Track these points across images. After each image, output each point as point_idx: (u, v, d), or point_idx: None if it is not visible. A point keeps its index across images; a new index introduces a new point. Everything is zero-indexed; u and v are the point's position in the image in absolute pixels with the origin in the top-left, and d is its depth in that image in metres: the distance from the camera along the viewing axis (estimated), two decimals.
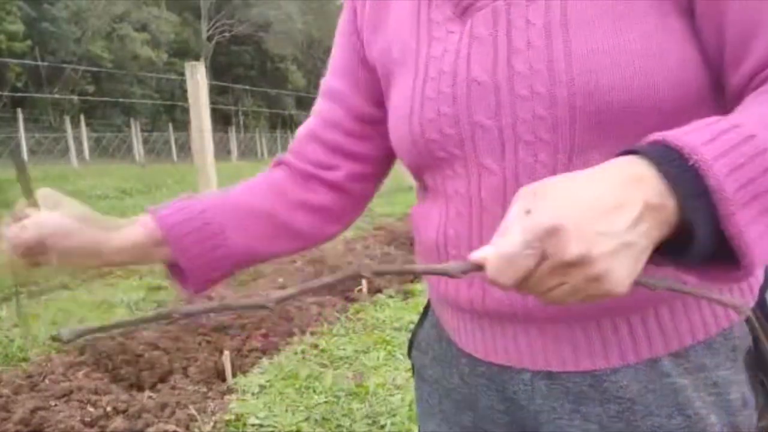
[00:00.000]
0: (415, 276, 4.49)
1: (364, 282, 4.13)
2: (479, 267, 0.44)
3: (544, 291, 0.44)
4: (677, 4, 0.54)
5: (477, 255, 0.44)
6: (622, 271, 0.42)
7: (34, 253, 0.62)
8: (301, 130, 0.81)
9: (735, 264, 0.44)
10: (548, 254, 0.42)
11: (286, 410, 2.49)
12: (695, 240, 0.44)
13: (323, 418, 2.43)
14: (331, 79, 0.80)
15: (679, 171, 0.43)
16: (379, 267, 0.45)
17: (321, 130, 0.78)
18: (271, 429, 2.35)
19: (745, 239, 0.43)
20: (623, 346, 0.60)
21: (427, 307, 0.81)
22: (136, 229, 0.69)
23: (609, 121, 0.54)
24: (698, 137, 0.44)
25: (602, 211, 0.42)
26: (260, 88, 34.54)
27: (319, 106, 0.80)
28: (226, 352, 2.79)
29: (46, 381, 2.62)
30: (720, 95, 0.57)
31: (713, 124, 0.46)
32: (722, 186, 0.42)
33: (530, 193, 0.44)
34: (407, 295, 4.12)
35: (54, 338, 0.43)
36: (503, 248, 0.43)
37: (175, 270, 0.73)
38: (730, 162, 0.43)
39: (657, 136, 0.45)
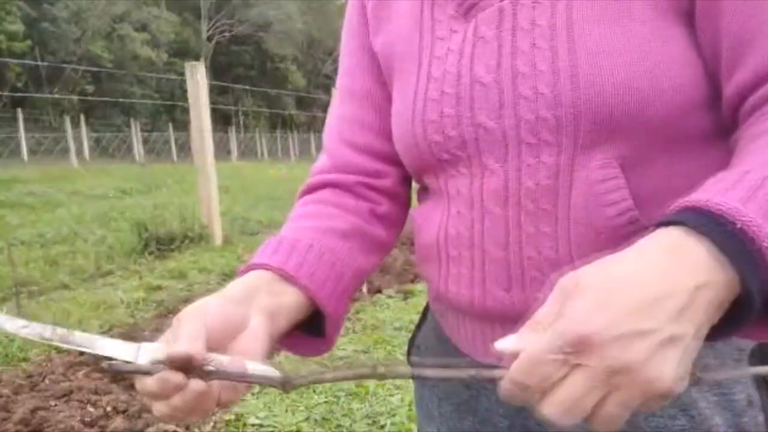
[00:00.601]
0: (415, 275, 4.49)
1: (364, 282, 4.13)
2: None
3: (589, 407, 0.40)
4: (678, 11, 0.54)
5: (506, 346, 0.43)
6: (667, 366, 0.39)
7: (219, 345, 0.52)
8: (331, 140, 0.76)
9: None
10: (581, 362, 0.40)
11: (286, 410, 2.49)
12: (753, 307, 0.41)
13: (323, 418, 2.43)
14: (347, 79, 0.76)
15: (728, 238, 0.41)
16: (398, 370, 0.46)
17: (353, 134, 0.74)
18: (271, 429, 2.36)
19: None
20: None
21: (426, 310, 0.80)
22: (262, 275, 0.62)
23: (612, 122, 0.54)
24: (735, 196, 0.42)
25: (640, 306, 0.40)
26: (260, 88, 34.56)
27: (342, 109, 0.76)
28: None
29: (46, 381, 2.62)
30: (716, 107, 0.57)
31: (742, 179, 0.44)
32: None
33: (564, 292, 0.42)
34: (407, 295, 4.12)
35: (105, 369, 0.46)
36: (531, 347, 0.40)
37: (292, 338, 0.65)
38: None
39: (692, 201, 0.44)
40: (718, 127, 0.58)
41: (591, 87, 0.53)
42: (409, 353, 0.82)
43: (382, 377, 0.45)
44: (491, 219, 0.60)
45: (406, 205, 0.79)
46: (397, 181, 0.75)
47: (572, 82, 0.53)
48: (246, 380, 0.49)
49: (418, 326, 0.81)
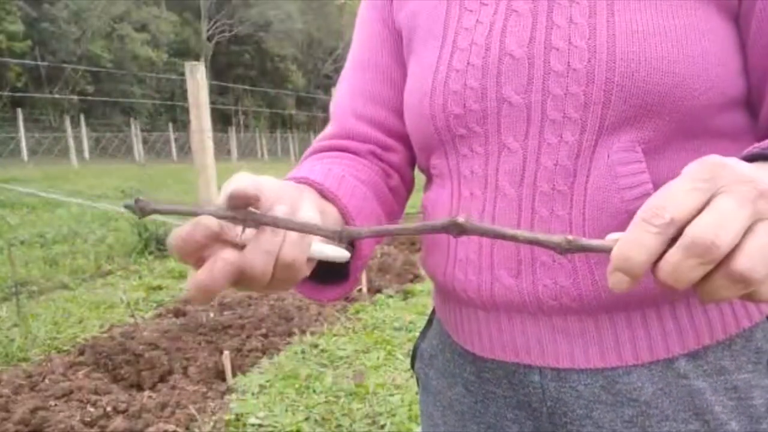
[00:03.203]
0: (415, 276, 4.49)
1: (364, 282, 4.13)
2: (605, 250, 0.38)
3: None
4: (722, 6, 0.54)
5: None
6: None
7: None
8: (341, 111, 0.73)
9: None
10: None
11: (286, 410, 2.49)
12: None
13: (323, 418, 2.43)
14: (362, 51, 0.73)
15: None
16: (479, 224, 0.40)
17: (364, 108, 0.72)
18: (271, 429, 2.35)
19: None
20: (637, 342, 0.57)
21: (430, 317, 0.78)
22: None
23: (643, 103, 0.53)
24: None
25: None
26: (260, 88, 34.56)
27: (354, 80, 0.73)
28: (226, 352, 2.79)
29: (46, 381, 2.62)
30: (744, 107, 0.57)
31: None
32: None
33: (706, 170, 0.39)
34: (407, 295, 4.12)
35: (126, 206, 0.38)
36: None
37: (308, 285, 0.59)
38: None
39: None
40: (747, 129, 0.57)
41: (627, 66, 0.52)
42: (413, 360, 0.80)
43: (460, 231, 0.39)
44: (503, 200, 0.58)
45: (411, 188, 0.76)
46: (406, 161, 0.73)
47: (608, 59, 0.52)
48: (301, 230, 0.42)
49: (423, 334, 0.79)
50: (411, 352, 0.81)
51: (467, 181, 0.61)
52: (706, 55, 0.53)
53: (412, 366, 0.80)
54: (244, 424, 2.38)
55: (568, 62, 0.54)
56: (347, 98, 0.73)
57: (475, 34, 0.60)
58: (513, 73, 0.57)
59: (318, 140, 0.74)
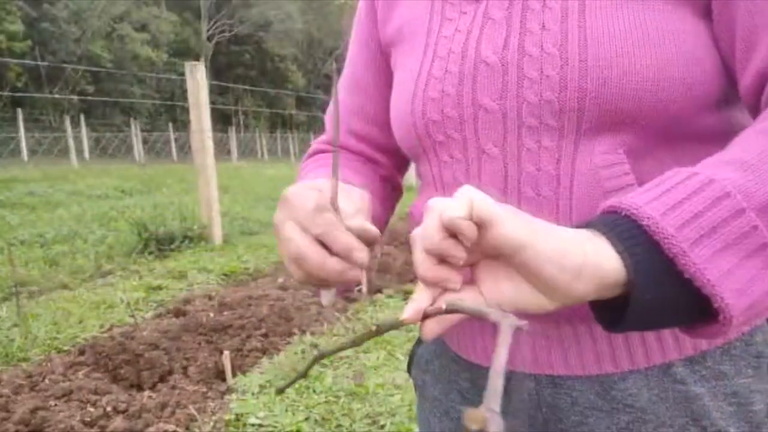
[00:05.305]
0: (415, 276, 4.49)
1: (363, 282, 4.13)
2: None
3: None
4: (696, 5, 0.54)
5: None
6: None
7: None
8: (333, 125, 0.78)
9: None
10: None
11: (286, 410, 2.49)
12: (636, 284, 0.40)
13: (323, 418, 2.43)
14: (350, 69, 0.78)
15: (611, 219, 0.42)
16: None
17: (352, 123, 0.78)
18: (271, 429, 2.35)
19: (707, 277, 0.39)
20: (633, 349, 0.56)
21: None
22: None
23: (618, 109, 0.52)
24: (647, 197, 0.43)
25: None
26: (260, 88, 34.57)
27: (343, 96, 0.79)
28: (226, 352, 2.79)
29: (46, 381, 2.62)
30: (728, 104, 0.56)
31: (676, 183, 0.44)
32: (659, 225, 0.40)
33: None
34: (407, 295, 4.12)
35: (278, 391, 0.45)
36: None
37: None
38: (665, 203, 0.41)
39: (613, 204, 0.45)
40: (728, 129, 0.57)
41: (600, 72, 0.52)
42: (409, 366, 0.80)
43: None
44: None
45: (400, 193, 0.83)
46: (391, 172, 0.80)
47: (580, 66, 0.52)
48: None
49: (419, 339, 0.79)
50: (408, 358, 0.81)
51: (450, 189, 0.61)
52: (682, 57, 0.52)
53: (409, 371, 0.80)
54: (244, 424, 2.38)
55: (542, 69, 0.54)
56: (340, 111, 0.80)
57: (453, 42, 0.61)
58: (488, 79, 0.57)
59: (316, 142, 0.82)
